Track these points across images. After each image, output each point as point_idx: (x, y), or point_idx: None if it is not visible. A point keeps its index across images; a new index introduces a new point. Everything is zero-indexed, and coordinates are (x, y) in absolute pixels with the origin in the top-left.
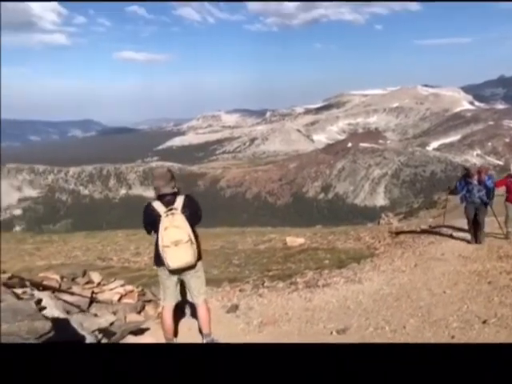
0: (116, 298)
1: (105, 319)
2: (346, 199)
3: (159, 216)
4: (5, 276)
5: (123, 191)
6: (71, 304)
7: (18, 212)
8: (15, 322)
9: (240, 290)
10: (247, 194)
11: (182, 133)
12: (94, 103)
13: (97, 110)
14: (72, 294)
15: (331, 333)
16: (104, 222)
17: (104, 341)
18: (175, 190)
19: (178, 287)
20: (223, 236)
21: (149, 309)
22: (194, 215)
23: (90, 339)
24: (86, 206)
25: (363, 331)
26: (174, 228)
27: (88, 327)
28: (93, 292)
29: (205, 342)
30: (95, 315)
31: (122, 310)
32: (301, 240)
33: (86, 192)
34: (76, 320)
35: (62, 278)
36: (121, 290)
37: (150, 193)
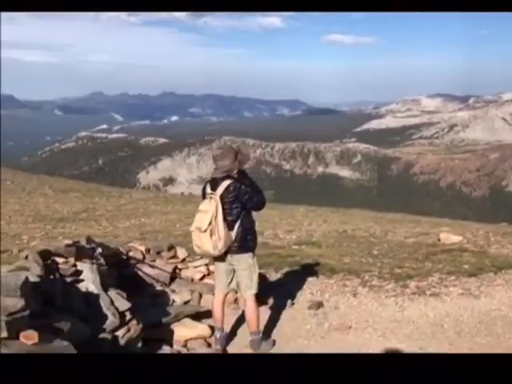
0: (198, 276)
1: (180, 296)
2: None
3: (204, 198)
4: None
5: (320, 169)
6: (151, 277)
7: None
8: None
9: (343, 285)
10: (441, 183)
11: (380, 116)
12: (302, 84)
13: (304, 91)
14: (153, 267)
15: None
16: (302, 196)
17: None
18: (224, 174)
19: (231, 277)
20: (395, 223)
21: (233, 294)
22: (243, 201)
23: (111, 320)
24: (286, 180)
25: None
26: (201, 213)
27: (120, 306)
28: (176, 267)
29: (249, 340)
30: (173, 291)
31: (200, 289)
32: (456, 238)
33: (288, 167)
34: (105, 299)
35: (147, 250)
36: (203, 269)
37: (345, 172)
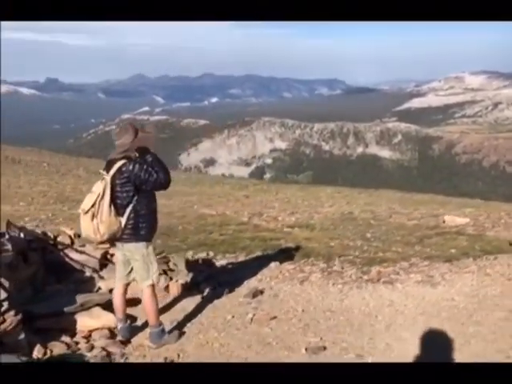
0: None
1: (106, 284)
2: None
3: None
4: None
5: (360, 149)
6: (78, 263)
7: (268, 161)
8: None
9: (300, 271)
10: (484, 162)
11: (421, 94)
12: (341, 63)
13: (343, 69)
14: (81, 252)
15: (305, 349)
16: (340, 177)
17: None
18: (122, 154)
19: (130, 267)
20: (419, 204)
21: (166, 280)
22: (136, 184)
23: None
24: (325, 161)
25: (328, 358)
26: (89, 195)
27: None
28: (106, 253)
29: (148, 333)
30: (101, 277)
31: None
32: (462, 220)
33: (327, 148)
34: None
35: (76, 235)
36: None
37: (385, 152)
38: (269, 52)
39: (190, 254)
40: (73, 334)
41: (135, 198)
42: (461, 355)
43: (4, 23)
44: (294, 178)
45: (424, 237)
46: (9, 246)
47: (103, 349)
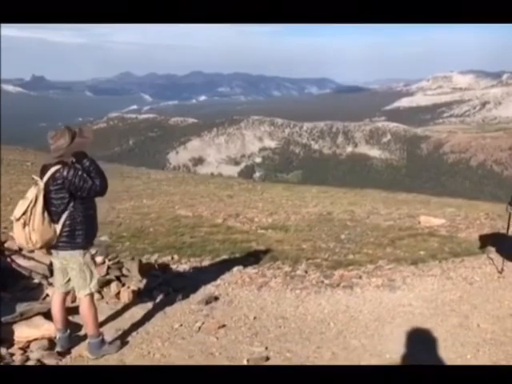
0: None
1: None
2: None
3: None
4: None
5: (349, 149)
6: (26, 269)
7: (258, 160)
8: None
9: (261, 275)
10: (471, 161)
11: (410, 93)
12: (331, 62)
13: (332, 69)
14: (29, 258)
15: (247, 360)
16: (330, 176)
17: None
18: (57, 159)
19: (68, 275)
20: (402, 203)
21: (117, 286)
22: (71, 190)
23: None
24: (315, 160)
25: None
26: (21, 201)
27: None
28: None
29: (87, 343)
30: (50, 284)
31: None
32: (437, 221)
33: (317, 147)
34: None
35: None
36: None
37: (374, 152)
38: (258, 50)
39: (154, 258)
40: (10, 344)
41: (71, 204)
42: (408, 363)
43: None
44: (283, 177)
45: (396, 238)
46: None
47: (38, 360)
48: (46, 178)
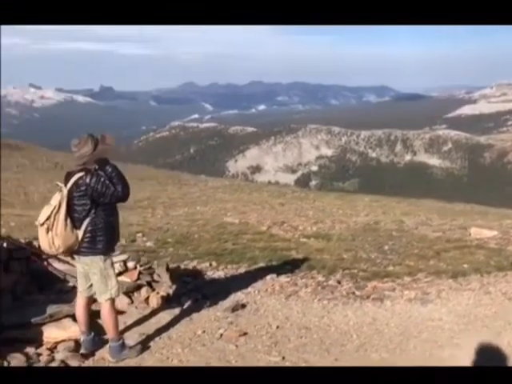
0: None
1: None
2: None
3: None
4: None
5: (408, 157)
6: (61, 272)
7: (314, 168)
8: None
9: (293, 284)
10: None
11: (472, 101)
12: (390, 70)
13: (392, 77)
14: (64, 262)
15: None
16: (387, 185)
17: None
18: (81, 166)
19: (88, 280)
20: (459, 214)
21: (147, 292)
22: (94, 197)
23: None
24: (372, 168)
25: None
26: (46, 207)
27: None
28: None
29: (108, 346)
30: None
31: None
32: (489, 233)
33: (374, 155)
34: None
35: None
36: (118, 266)
37: (434, 161)
38: (317, 59)
39: (193, 264)
40: (39, 345)
41: (93, 211)
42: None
43: (60, 34)
44: (339, 185)
45: (442, 250)
46: None
47: (62, 361)
48: (69, 184)
